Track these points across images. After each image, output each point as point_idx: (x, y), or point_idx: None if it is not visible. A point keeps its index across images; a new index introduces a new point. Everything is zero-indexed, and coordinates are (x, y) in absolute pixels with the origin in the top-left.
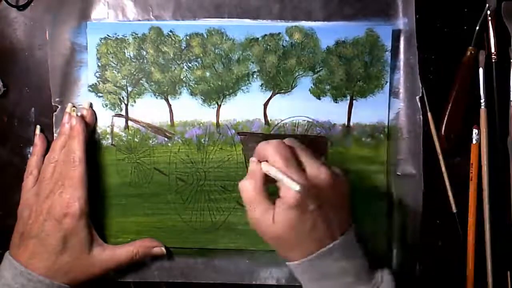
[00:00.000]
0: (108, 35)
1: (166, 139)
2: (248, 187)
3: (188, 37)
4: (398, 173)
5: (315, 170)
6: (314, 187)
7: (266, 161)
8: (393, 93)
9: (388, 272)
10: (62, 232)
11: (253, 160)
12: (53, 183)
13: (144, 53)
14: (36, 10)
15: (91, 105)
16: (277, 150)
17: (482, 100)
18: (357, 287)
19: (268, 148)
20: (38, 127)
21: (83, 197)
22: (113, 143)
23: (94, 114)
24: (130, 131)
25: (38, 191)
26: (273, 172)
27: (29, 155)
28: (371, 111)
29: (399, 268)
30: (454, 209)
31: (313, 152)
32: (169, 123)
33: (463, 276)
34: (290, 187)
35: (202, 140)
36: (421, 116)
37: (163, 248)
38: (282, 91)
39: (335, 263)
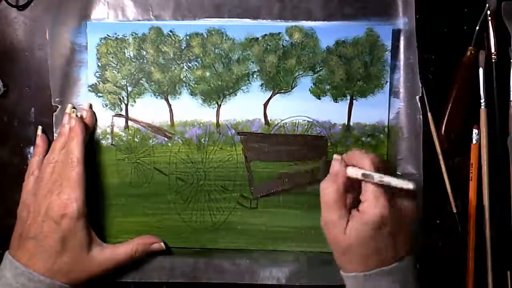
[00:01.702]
0: (108, 35)
1: (166, 139)
2: (330, 190)
3: (188, 37)
4: (398, 173)
5: (401, 193)
6: (395, 210)
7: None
8: (393, 93)
9: None
10: (60, 233)
11: (337, 158)
12: (52, 183)
13: (144, 53)
14: (36, 10)
15: (90, 106)
16: (373, 162)
17: (482, 100)
18: None
19: (364, 158)
20: (39, 127)
21: (81, 198)
22: (113, 143)
23: (93, 115)
24: (130, 131)
25: (36, 191)
26: (378, 177)
27: (29, 155)
28: (371, 111)
29: None
30: (454, 209)
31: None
32: (169, 123)
33: (463, 276)
34: (403, 187)
35: (202, 140)
36: (421, 116)
37: (162, 244)
38: (282, 91)
39: (389, 284)
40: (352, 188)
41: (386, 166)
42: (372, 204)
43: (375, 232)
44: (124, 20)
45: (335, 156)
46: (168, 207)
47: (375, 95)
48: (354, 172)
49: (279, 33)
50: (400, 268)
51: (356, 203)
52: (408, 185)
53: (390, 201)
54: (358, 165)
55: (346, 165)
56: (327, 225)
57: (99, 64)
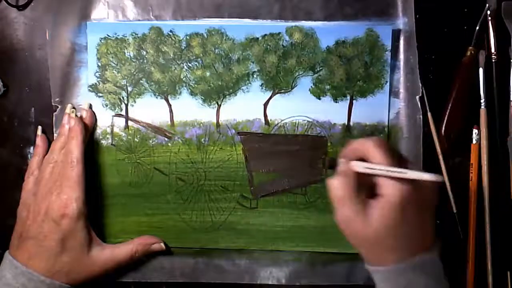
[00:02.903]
0: (108, 35)
1: (166, 139)
2: (340, 185)
3: (188, 37)
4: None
5: (419, 173)
6: (416, 190)
7: (363, 160)
8: (393, 93)
9: None
10: (60, 233)
11: (342, 161)
12: (51, 183)
13: (144, 53)
14: (36, 10)
15: (90, 106)
16: (379, 148)
17: (482, 100)
18: None
19: (367, 144)
20: (39, 127)
21: (80, 198)
22: (113, 143)
23: (93, 115)
24: (130, 131)
25: (36, 191)
26: (379, 169)
27: (29, 155)
28: (371, 111)
29: None
30: (454, 209)
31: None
32: (169, 123)
33: (463, 276)
34: (429, 179)
35: (202, 140)
36: (421, 116)
37: (162, 244)
38: (282, 91)
39: (419, 277)
40: (365, 181)
41: (391, 148)
42: (390, 186)
43: (400, 215)
44: (124, 20)
45: (340, 159)
46: (168, 207)
47: (375, 95)
48: (360, 167)
49: (279, 33)
50: (430, 258)
51: (368, 193)
52: (435, 178)
53: (407, 181)
54: (365, 156)
55: (352, 159)
56: (344, 222)
57: (99, 64)
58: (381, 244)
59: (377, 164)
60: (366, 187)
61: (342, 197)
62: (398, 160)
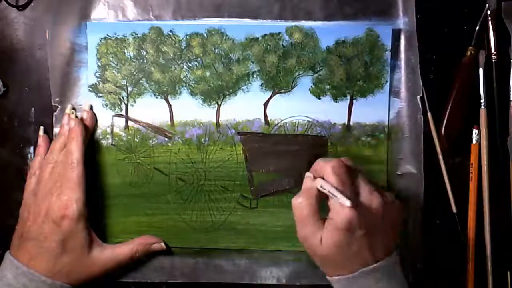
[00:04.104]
0: (108, 35)
1: (166, 139)
2: (303, 205)
3: (188, 37)
4: (398, 172)
5: (368, 195)
6: (364, 213)
7: (322, 177)
8: (393, 93)
9: None
10: (61, 234)
11: (308, 175)
12: (51, 184)
13: (144, 53)
14: (36, 10)
15: (91, 107)
16: (334, 170)
17: (482, 100)
18: None
19: (326, 166)
20: (41, 128)
21: (81, 199)
22: (113, 143)
23: (94, 116)
24: (130, 131)
25: (36, 191)
26: (328, 188)
27: (29, 155)
28: (371, 111)
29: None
30: (454, 209)
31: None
32: (169, 123)
33: (463, 276)
34: (342, 202)
35: (202, 140)
36: (421, 116)
37: (162, 244)
38: (282, 90)
39: (374, 283)
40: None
41: (355, 169)
42: (337, 210)
43: (348, 237)
44: (124, 20)
45: (307, 174)
46: (168, 207)
47: (375, 95)
48: (318, 184)
49: (279, 33)
50: (384, 266)
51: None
52: (347, 203)
53: (356, 205)
54: (322, 174)
55: (317, 177)
56: (304, 240)
57: (99, 64)
58: (333, 261)
59: (326, 183)
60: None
61: (303, 217)
62: (361, 183)
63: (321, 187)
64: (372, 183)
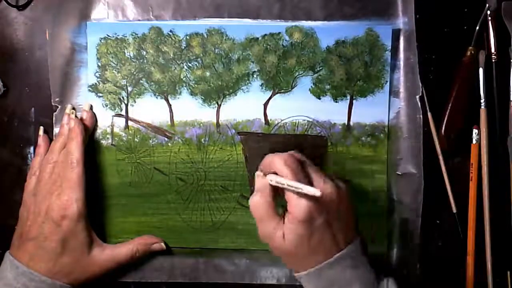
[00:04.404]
0: (108, 35)
1: (166, 139)
2: (259, 204)
3: (188, 37)
4: (398, 172)
5: (321, 184)
6: (321, 201)
7: (274, 173)
8: (393, 93)
9: (392, 281)
10: (61, 234)
11: (259, 174)
12: (51, 183)
13: (144, 53)
14: (36, 10)
15: (91, 107)
16: (286, 163)
17: (482, 100)
18: None
19: (276, 160)
20: (41, 128)
21: (81, 199)
22: (113, 143)
23: (94, 116)
24: (130, 131)
25: (36, 191)
26: (287, 183)
27: (29, 155)
28: (371, 111)
29: (399, 268)
30: (454, 209)
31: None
32: (169, 123)
33: (463, 276)
34: (308, 192)
35: (202, 140)
36: (421, 116)
37: (162, 244)
38: (282, 90)
39: (341, 272)
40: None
41: (304, 161)
42: (294, 202)
43: (309, 228)
44: (124, 20)
45: (257, 172)
46: (168, 207)
47: (375, 95)
48: (272, 180)
49: (279, 33)
50: (348, 254)
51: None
52: (316, 193)
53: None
54: (272, 169)
55: (267, 173)
56: (266, 238)
57: (99, 64)
58: (297, 255)
59: (283, 178)
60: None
61: (261, 215)
62: (312, 173)
63: (277, 182)
64: (322, 171)
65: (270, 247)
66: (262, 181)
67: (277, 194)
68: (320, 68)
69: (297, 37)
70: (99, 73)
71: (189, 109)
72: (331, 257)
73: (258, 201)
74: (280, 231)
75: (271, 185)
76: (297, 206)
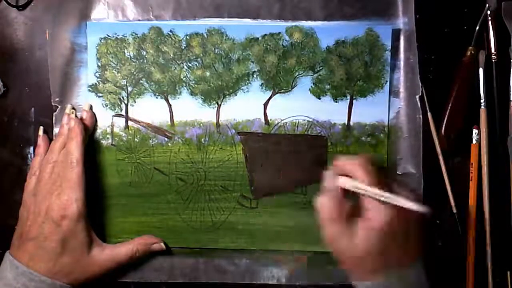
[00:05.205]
0: (108, 35)
1: (166, 139)
2: (328, 205)
3: (188, 37)
4: (398, 172)
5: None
6: (400, 213)
7: (348, 176)
8: (393, 93)
9: None
10: (61, 234)
11: (330, 173)
12: (51, 183)
13: (144, 53)
14: (36, 10)
15: (91, 107)
16: (366, 169)
17: (482, 100)
18: None
19: (355, 164)
20: (41, 128)
21: (80, 199)
22: (113, 143)
23: (93, 116)
24: (130, 131)
25: (36, 191)
26: (372, 193)
27: (29, 155)
28: (371, 111)
29: None
30: (454, 209)
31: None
32: (169, 123)
33: (463, 276)
34: (411, 208)
35: (202, 140)
36: (421, 116)
37: (162, 244)
38: (282, 90)
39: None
40: (348, 195)
41: (379, 166)
42: (378, 210)
43: (385, 239)
44: (124, 20)
45: (328, 172)
46: (168, 207)
47: (375, 95)
48: (347, 184)
49: (279, 33)
50: (414, 271)
51: (355, 209)
52: (422, 209)
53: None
54: (352, 175)
55: (340, 175)
56: (332, 241)
57: (99, 64)
58: (366, 264)
59: (365, 185)
60: (350, 203)
61: (329, 217)
62: (384, 179)
63: (354, 187)
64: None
65: (334, 251)
66: (332, 182)
67: (347, 196)
68: (320, 68)
69: (297, 37)
70: (99, 73)
71: (189, 109)
72: (400, 270)
73: (327, 202)
74: (348, 235)
75: (341, 187)
76: (379, 214)
